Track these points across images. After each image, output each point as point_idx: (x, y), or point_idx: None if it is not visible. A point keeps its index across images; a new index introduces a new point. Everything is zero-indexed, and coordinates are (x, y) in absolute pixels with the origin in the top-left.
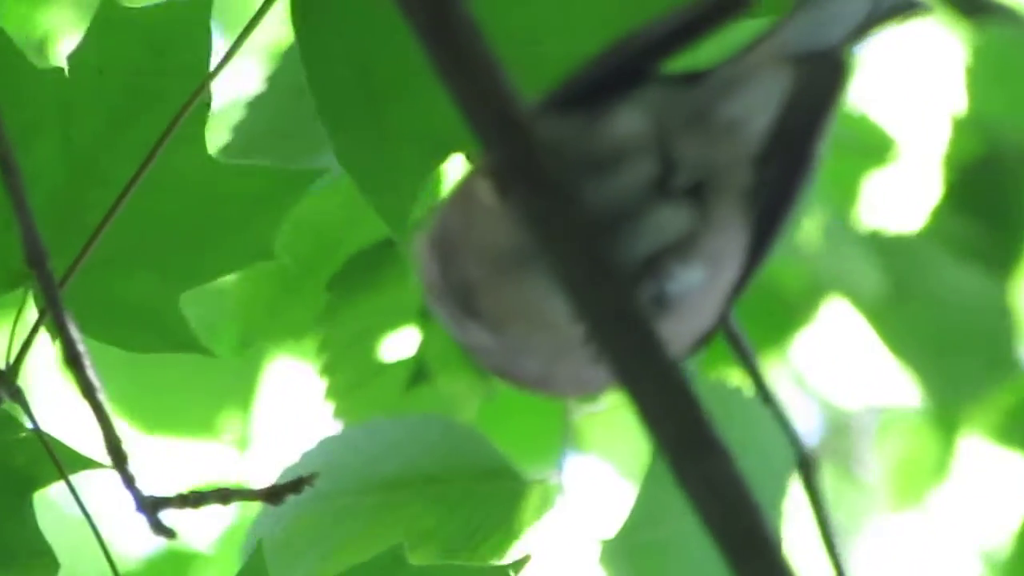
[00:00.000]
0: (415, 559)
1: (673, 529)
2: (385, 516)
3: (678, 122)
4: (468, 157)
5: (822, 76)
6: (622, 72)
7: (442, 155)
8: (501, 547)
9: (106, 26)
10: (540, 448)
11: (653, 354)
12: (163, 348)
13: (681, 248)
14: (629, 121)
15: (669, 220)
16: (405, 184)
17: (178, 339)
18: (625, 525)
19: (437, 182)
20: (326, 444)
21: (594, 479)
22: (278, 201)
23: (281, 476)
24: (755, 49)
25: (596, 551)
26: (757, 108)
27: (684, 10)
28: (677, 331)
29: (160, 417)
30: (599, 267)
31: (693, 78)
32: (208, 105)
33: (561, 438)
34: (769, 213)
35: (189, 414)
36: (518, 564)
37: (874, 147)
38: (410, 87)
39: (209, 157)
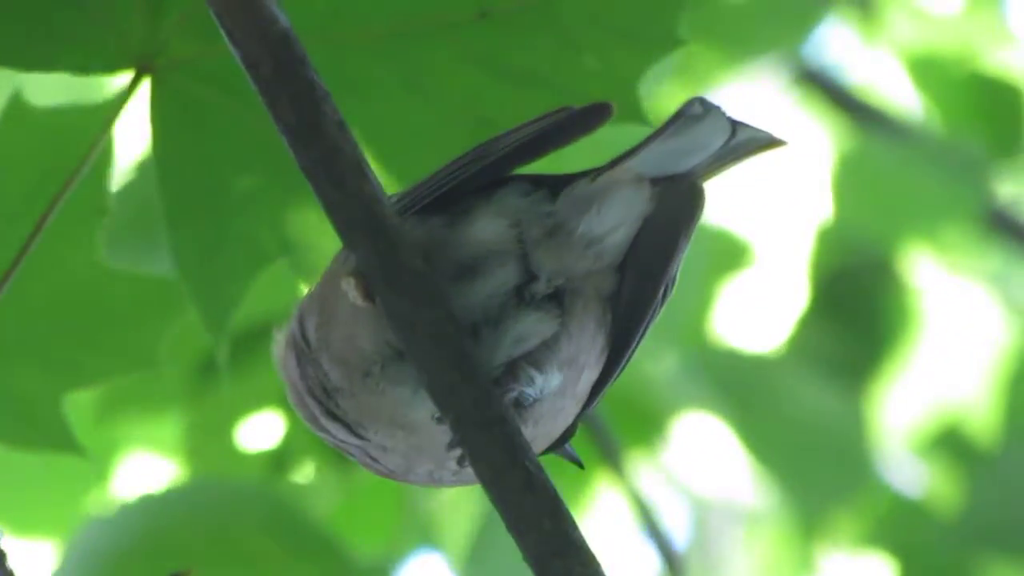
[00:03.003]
0: None
1: None
2: None
3: (538, 232)
4: (292, 263)
5: (678, 199)
6: (481, 175)
7: (268, 261)
8: None
9: (13, 123)
10: (381, 534)
11: (516, 458)
12: (40, 445)
13: (540, 353)
14: (488, 226)
15: (531, 326)
16: (230, 289)
17: (56, 438)
18: None
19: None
20: (144, 504)
21: (435, 568)
22: (164, 311)
23: (88, 530)
24: (615, 167)
25: None
26: (615, 224)
27: (547, 117)
28: (535, 433)
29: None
30: (464, 371)
31: (552, 184)
32: (104, 212)
33: (403, 526)
34: (628, 319)
35: (38, 510)
36: None
37: (731, 256)
38: (261, 197)
39: (98, 262)
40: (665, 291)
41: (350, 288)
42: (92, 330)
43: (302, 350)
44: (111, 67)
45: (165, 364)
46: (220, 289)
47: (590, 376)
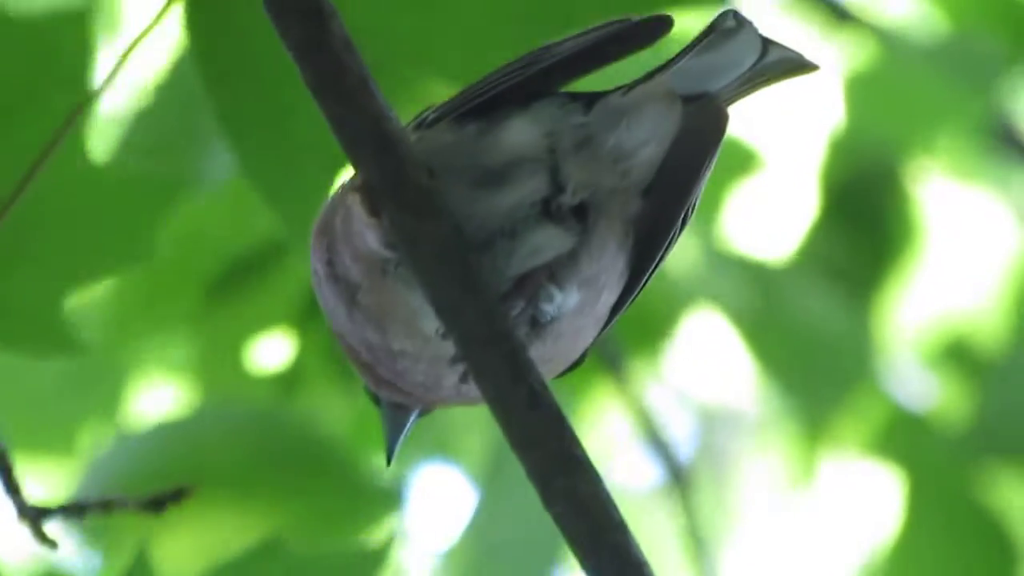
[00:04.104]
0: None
1: (512, 534)
2: (213, 509)
3: (568, 143)
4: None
5: (703, 123)
6: (524, 86)
7: (342, 164)
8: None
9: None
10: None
11: (520, 376)
12: (45, 351)
13: (559, 270)
14: (522, 132)
15: (549, 239)
16: (309, 193)
17: (59, 342)
18: (466, 531)
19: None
20: (159, 429)
21: (441, 481)
22: (156, 206)
23: (109, 454)
24: (648, 81)
25: (436, 557)
26: (644, 138)
27: (606, 26)
28: (552, 353)
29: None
30: (467, 288)
31: (589, 99)
32: (92, 114)
33: (414, 443)
34: (649, 241)
35: (50, 431)
36: (386, 547)
37: (739, 161)
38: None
39: (90, 164)
40: (685, 216)
41: (355, 203)
42: (87, 230)
43: (325, 240)
44: None
45: (160, 256)
46: (301, 195)
47: (609, 297)
